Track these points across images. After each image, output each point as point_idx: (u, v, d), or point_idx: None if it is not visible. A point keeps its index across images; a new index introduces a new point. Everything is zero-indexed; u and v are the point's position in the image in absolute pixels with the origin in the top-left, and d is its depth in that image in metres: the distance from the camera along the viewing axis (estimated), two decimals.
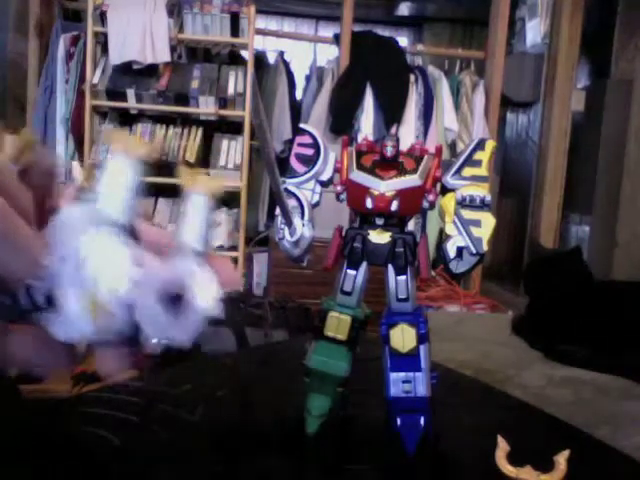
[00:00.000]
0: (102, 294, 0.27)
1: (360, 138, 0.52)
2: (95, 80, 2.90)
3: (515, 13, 3.89)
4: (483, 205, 0.49)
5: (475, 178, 0.50)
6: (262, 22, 4.00)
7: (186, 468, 0.48)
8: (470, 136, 3.23)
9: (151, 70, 2.90)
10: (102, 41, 2.95)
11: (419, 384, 0.50)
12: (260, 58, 3.44)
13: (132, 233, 0.28)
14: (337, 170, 0.52)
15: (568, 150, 3.42)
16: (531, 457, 0.46)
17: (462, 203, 0.49)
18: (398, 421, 0.50)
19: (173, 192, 3.13)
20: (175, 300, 0.28)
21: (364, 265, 0.51)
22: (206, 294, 0.28)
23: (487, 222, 0.49)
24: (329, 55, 3.57)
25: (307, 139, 0.53)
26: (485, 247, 0.48)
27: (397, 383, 0.50)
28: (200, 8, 2.92)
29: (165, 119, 3.06)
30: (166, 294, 0.27)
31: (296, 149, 0.53)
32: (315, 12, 5.50)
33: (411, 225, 0.55)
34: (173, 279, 0.28)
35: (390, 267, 0.50)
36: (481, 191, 0.49)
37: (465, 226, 0.49)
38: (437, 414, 0.51)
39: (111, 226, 0.28)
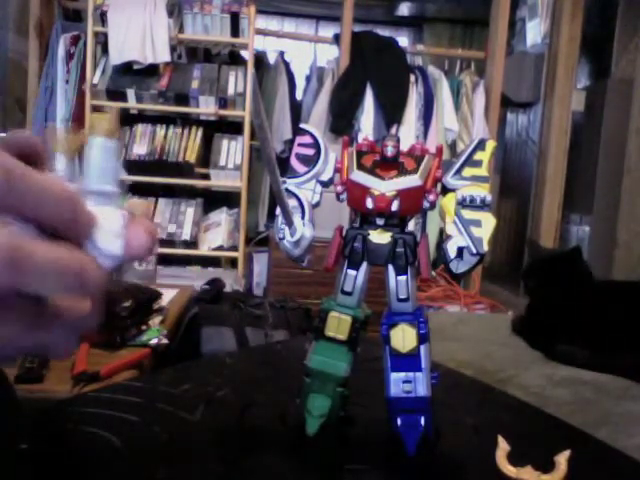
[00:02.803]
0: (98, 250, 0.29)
1: (360, 138, 0.52)
2: (95, 80, 2.90)
3: (515, 13, 3.89)
4: (483, 205, 0.49)
5: (475, 178, 0.50)
6: (262, 22, 4.00)
7: (186, 468, 0.48)
8: (470, 136, 3.23)
9: (151, 70, 2.90)
10: (102, 41, 2.95)
11: (419, 384, 0.50)
12: (260, 58, 3.44)
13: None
14: (337, 170, 0.52)
15: (568, 150, 3.42)
16: (531, 457, 0.46)
17: (462, 203, 0.49)
18: (398, 421, 0.50)
19: (173, 192, 3.13)
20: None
21: (364, 265, 0.51)
22: (107, 233, 0.29)
23: (487, 222, 0.49)
24: (329, 55, 3.58)
25: (307, 139, 0.53)
26: (485, 247, 0.48)
27: (397, 383, 0.50)
28: (200, 8, 2.93)
29: (165, 119, 3.07)
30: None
31: (296, 149, 0.53)
32: (315, 12, 5.50)
33: (411, 225, 0.55)
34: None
35: (390, 267, 0.50)
36: (481, 191, 0.49)
37: (465, 226, 0.48)
38: (437, 414, 0.51)
39: (101, 195, 0.29)
